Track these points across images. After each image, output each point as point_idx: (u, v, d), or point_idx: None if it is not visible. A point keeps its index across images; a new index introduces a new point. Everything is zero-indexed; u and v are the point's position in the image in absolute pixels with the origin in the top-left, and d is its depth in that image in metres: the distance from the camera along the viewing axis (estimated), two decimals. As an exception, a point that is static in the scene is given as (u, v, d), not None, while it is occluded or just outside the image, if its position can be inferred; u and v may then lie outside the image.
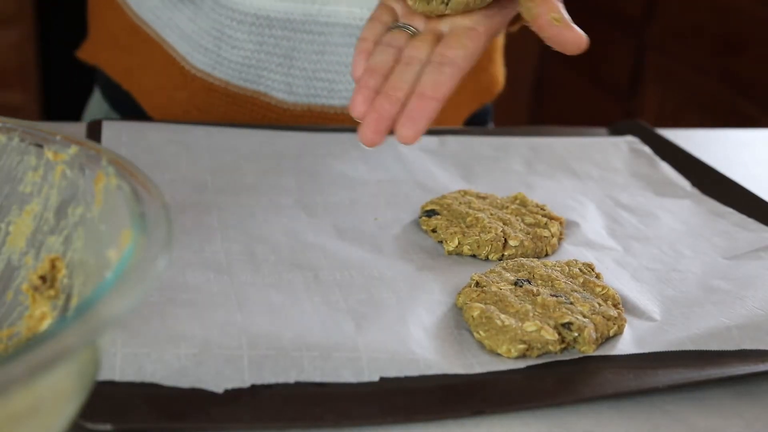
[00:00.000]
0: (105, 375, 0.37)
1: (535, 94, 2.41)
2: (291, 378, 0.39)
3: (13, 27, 1.90)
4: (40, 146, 0.38)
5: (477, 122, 0.82)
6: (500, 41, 0.81)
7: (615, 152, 0.68)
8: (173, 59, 0.71)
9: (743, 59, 1.70)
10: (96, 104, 0.81)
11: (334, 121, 0.71)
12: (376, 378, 0.40)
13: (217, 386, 0.38)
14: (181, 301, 0.43)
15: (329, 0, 0.67)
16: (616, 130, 0.72)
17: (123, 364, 0.38)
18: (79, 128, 0.63)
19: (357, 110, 0.47)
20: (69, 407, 0.29)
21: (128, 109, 0.75)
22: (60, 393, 0.28)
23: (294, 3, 0.67)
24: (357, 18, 0.68)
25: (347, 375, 0.40)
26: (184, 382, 0.37)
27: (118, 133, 0.61)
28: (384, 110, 0.46)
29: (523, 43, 2.34)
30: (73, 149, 0.37)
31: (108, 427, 0.35)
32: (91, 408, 0.36)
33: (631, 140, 0.70)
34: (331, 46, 0.69)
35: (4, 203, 0.39)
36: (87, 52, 0.79)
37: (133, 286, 0.28)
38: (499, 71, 0.81)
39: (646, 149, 0.68)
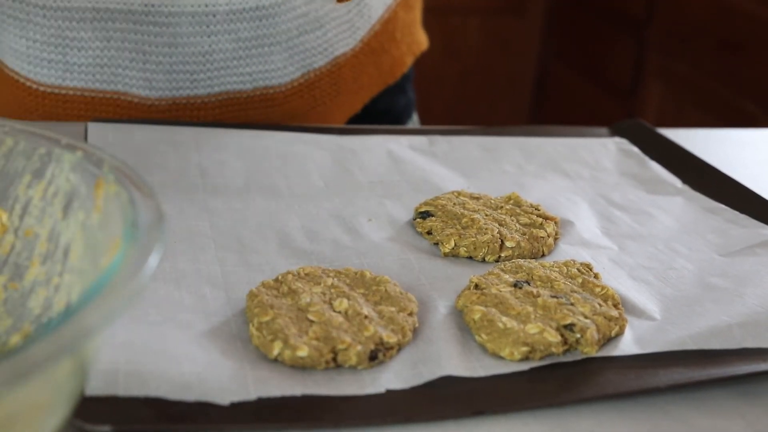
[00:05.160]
0: (108, 390, 0.37)
1: (536, 94, 2.41)
2: (297, 392, 0.39)
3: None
4: (44, 151, 0.38)
5: (387, 107, 0.80)
6: (408, 17, 0.78)
7: (604, 153, 0.68)
8: (17, 81, 0.68)
9: (744, 58, 1.70)
10: None
11: (201, 111, 0.69)
12: (382, 390, 0.39)
13: (223, 399, 0.37)
14: (179, 321, 0.42)
15: None
16: (618, 130, 0.72)
17: (126, 381, 0.37)
18: (78, 128, 0.63)
19: None
20: (49, 420, 0.29)
21: None
22: (36, 407, 0.27)
23: None
24: (203, 5, 0.65)
25: (353, 389, 0.39)
26: (189, 396, 0.37)
27: (104, 133, 0.60)
28: None
29: (524, 43, 2.35)
30: (78, 154, 0.37)
31: (107, 428, 0.35)
32: (90, 409, 0.35)
33: (619, 141, 0.70)
34: (183, 36, 0.66)
35: (7, 206, 0.39)
36: None
37: (113, 301, 0.27)
38: (407, 50, 0.79)
39: (635, 149, 0.68)
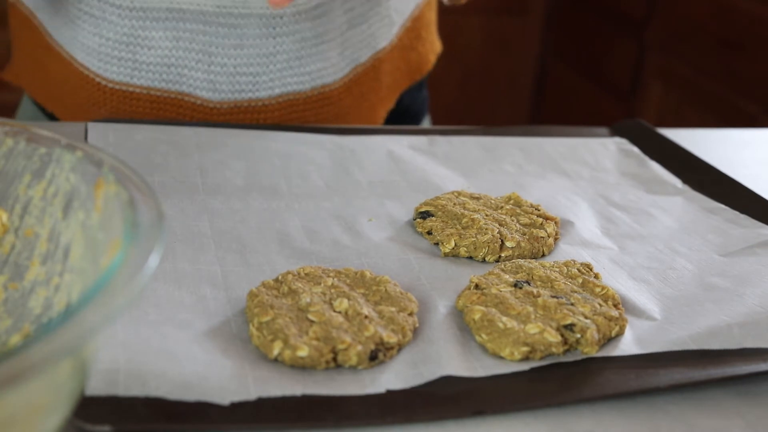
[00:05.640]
0: (109, 390, 0.37)
1: (536, 94, 2.41)
2: (297, 392, 0.39)
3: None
4: (45, 151, 0.38)
5: (409, 103, 0.81)
6: (430, 17, 0.80)
7: (604, 152, 0.68)
8: (87, 77, 0.70)
9: (744, 58, 1.70)
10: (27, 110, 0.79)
11: (262, 114, 0.71)
12: (382, 390, 0.39)
13: (223, 399, 0.37)
14: (179, 321, 0.42)
15: None
16: (618, 130, 0.72)
17: (127, 380, 0.37)
18: (78, 128, 0.63)
19: None
20: (48, 421, 0.29)
21: None
22: (36, 407, 0.27)
23: None
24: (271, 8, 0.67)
25: (353, 389, 0.39)
26: (189, 396, 0.37)
27: (104, 134, 0.60)
28: None
29: (524, 43, 2.35)
30: (78, 154, 0.37)
31: (107, 428, 0.35)
32: (90, 409, 0.35)
33: (619, 141, 0.70)
34: (249, 38, 0.68)
35: (7, 206, 0.39)
36: (11, 74, 0.77)
37: (113, 301, 0.27)
38: (430, 48, 0.81)
39: (635, 149, 0.68)
